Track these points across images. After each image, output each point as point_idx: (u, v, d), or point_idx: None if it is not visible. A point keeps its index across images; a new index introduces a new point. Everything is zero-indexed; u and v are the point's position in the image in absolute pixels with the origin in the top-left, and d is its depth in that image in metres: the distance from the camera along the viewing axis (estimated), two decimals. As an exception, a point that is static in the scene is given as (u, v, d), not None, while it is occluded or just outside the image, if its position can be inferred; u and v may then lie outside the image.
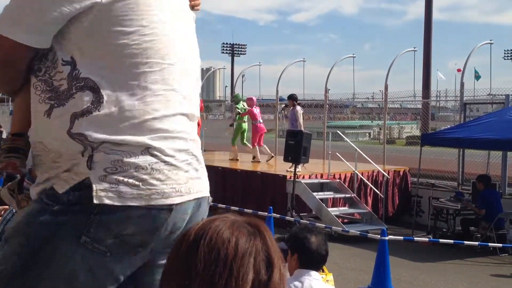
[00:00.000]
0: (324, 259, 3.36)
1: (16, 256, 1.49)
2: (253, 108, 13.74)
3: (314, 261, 3.30)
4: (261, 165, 12.64)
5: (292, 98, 12.53)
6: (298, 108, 12.22)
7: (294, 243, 3.35)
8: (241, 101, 14.50)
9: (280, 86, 16.89)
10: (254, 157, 13.74)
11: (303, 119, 12.41)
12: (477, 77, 19.52)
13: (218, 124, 16.01)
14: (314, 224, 3.71)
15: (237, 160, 14.05)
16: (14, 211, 3.74)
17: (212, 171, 12.85)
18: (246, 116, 14.06)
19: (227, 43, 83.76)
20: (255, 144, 13.73)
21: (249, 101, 14.21)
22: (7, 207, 5.60)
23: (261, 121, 13.87)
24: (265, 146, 13.92)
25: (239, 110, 14.16)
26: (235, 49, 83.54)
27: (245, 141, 14.39)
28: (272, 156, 13.70)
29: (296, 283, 3.19)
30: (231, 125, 14.67)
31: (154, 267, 1.61)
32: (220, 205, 10.04)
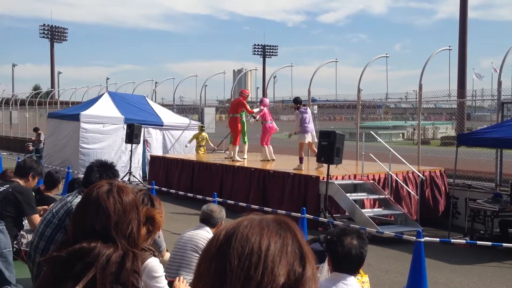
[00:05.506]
0: (356, 264, 3.13)
1: None
2: (265, 108, 14.22)
3: (346, 264, 3.08)
4: (292, 166, 12.57)
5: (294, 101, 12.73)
6: (297, 111, 12.31)
7: (327, 244, 3.21)
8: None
9: (311, 87, 16.84)
10: (263, 158, 14.20)
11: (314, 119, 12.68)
12: (516, 75, 18.92)
13: (250, 125, 16.16)
14: (355, 227, 3.51)
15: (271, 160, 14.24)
16: (53, 210, 3.83)
17: (244, 172, 12.89)
18: (244, 113, 14.50)
19: (258, 45, 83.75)
20: (265, 143, 14.18)
21: (262, 101, 14.66)
22: (46, 207, 5.73)
23: (271, 121, 14.36)
24: (270, 147, 14.28)
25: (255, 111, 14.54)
26: (266, 50, 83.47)
27: (245, 139, 14.94)
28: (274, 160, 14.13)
29: None
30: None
31: None
32: (253, 206, 10.07)
